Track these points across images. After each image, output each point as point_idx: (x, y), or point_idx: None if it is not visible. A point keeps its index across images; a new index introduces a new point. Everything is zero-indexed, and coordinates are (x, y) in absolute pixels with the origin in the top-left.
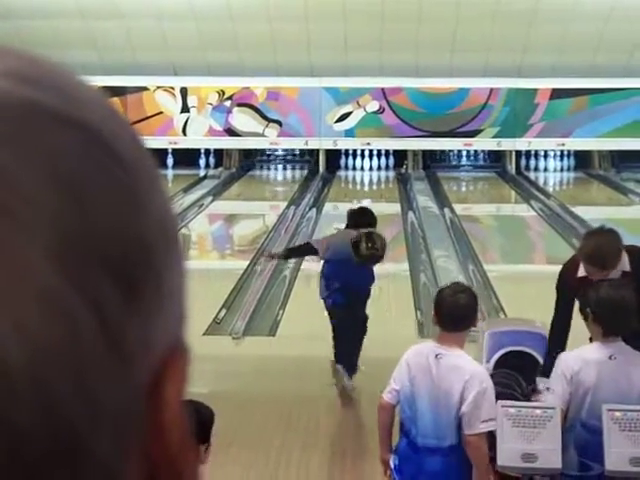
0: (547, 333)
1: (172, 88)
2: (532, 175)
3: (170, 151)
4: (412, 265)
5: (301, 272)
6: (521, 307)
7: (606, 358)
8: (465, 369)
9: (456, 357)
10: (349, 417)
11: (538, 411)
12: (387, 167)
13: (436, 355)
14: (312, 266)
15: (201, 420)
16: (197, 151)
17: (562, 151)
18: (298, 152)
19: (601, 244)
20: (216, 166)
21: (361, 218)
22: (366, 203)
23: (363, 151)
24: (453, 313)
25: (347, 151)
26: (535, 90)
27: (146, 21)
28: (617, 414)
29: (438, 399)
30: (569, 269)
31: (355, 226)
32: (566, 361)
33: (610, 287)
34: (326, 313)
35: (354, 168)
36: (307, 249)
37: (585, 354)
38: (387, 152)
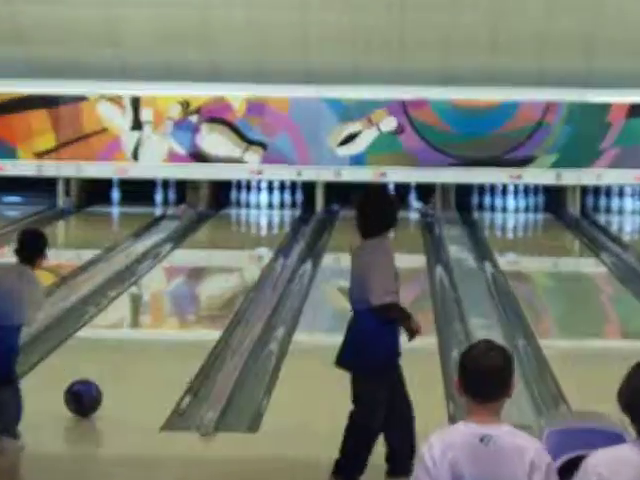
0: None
1: (119, 97)
2: (602, 218)
3: (116, 182)
4: (442, 338)
5: (292, 345)
6: (589, 396)
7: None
8: (527, 448)
9: (509, 435)
10: None
11: None
12: (408, 206)
13: (481, 439)
14: (304, 338)
15: None
16: (152, 183)
17: None
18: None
19: None
20: (178, 203)
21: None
22: None
23: (376, 184)
24: (485, 377)
25: (354, 184)
26: (607, 105)
27: (87, 8)
28: None
29: None
30: None
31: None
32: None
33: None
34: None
35: None
36: None
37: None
38: (408, 186)
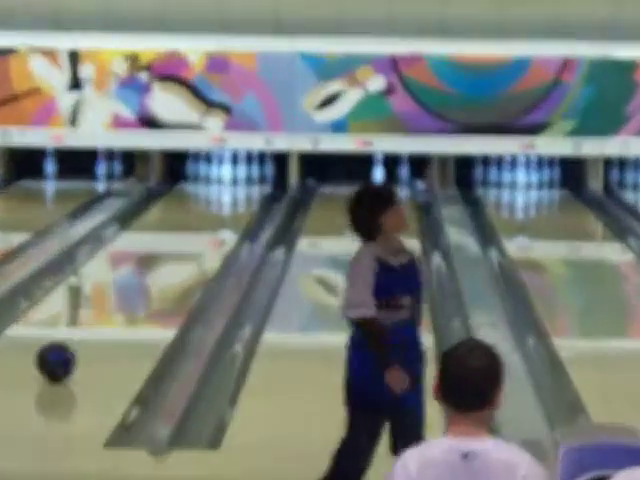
0: None
1: (55, 50)
2: (630, 196)
3: (51, 152)
4: (439, 337)
5: (261, 346)
6: (613, 406)
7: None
8: (517, 464)
9: (496, 450)
10: None
11: None
12: (399, 181)
13: (465, 455)
14: (275, 338)
15: None
16: (94, 153)
17: None
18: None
19: None
20: (125, 177)
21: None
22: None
23: (361, 155)
24: (467, 382)
25: (335, 155)
26: (635, 62)
27: None
28: None
29: None
30: None
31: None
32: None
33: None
34: None
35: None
36: None
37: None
38: (399, 157)
